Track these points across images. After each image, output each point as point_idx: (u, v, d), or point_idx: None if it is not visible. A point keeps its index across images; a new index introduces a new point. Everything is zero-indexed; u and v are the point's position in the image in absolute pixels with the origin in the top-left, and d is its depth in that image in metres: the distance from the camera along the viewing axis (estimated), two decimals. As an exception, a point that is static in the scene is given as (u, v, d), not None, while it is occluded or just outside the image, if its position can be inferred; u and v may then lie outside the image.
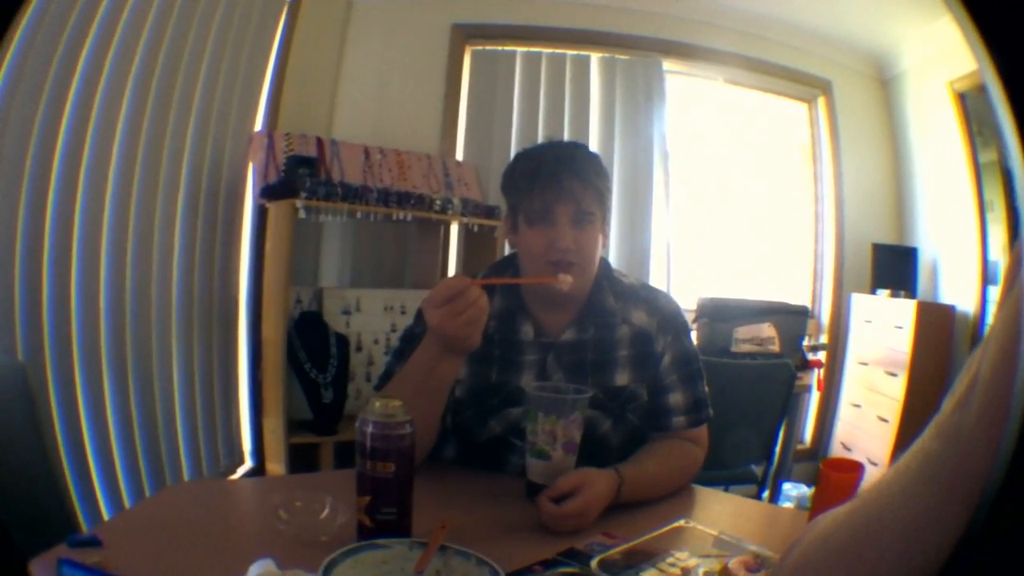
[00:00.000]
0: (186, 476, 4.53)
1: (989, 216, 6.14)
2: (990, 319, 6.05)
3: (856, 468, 1.91)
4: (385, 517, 1.79)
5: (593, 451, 2.30)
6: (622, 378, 2.52)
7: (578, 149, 2.54)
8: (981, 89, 5.26)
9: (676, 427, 2.56)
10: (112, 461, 3.93)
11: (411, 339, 2.48)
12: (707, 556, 1.84)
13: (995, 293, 5.82)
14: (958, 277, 6.49)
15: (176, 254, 4.45)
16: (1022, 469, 0.62)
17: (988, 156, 6.10)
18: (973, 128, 6.16)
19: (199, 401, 4.69)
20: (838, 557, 0.86)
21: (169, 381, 4.43)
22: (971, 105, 6.15)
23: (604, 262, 2.61)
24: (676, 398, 2.56)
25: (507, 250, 3.05)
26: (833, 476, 1.90)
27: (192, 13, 4.40)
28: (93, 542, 1.65)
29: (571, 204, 2.36)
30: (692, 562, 1.80)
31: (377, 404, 1.81)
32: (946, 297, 6.60)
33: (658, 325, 2.56)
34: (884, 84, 7.27)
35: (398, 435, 1.79)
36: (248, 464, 5.21)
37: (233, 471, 5.03)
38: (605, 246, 2.55)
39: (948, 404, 0.73)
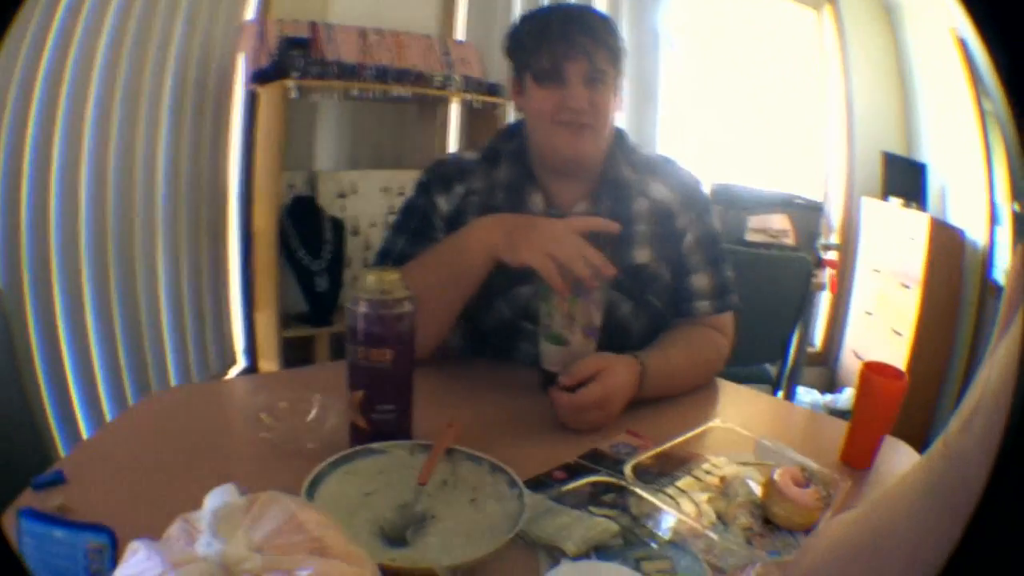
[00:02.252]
0: (173, 383, 4.44)
1: (994, 159, 6.01)
2: (997, 267, 5.96)
3: (900, 376, 1.82)
4: (382, 416, 1.59)
5: (612, 337, 2.15)
6: (642, 255, 2.36)
7: (588, 9, 2.37)
8: None
9: (701, 312, 2.41)
10: (93, 375, 3.86)
11: (413, 212, 2.38)
12: (746, 464, 1.69)
13: (1002, 236, 5.70)
14: (966, 205, 6.38)
15: (161, 148, 4.34)
16: (1003, 494, 0.66)
17: (990, 104, 5.94)
18: (976, 74, 5.99)
19: (187, 301, 4.60)
20: (849, 563, 0.91)
21: (154, 282, 4.34)
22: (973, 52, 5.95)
23: (619, 132, 2.45)
24: (700, 280, 2.41)
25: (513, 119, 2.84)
26: (876, 380, 1.80)
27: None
28: (57, 480, 1.46)
29: (583, 61, 2.20)
30: (730, 470, 1.65)
31: (370, 278, 1.59)
32: (954, 220, 6.48)
33: (680, 200, 2.41)
34: (888, 10, 7.16)
35: (395, 315, 1.57)
36: (241, 364, 5.11)
37: (224, 373, 4.89)
38: (619, 110, 2.36)
39: (954, 424, 0.75)
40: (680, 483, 1.59)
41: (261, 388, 2.26)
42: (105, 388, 3.89)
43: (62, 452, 3.09)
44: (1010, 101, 0.66)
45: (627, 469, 1.56)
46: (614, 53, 2.27)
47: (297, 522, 0.97)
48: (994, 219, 5.97)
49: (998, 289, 5.86)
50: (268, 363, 4.90)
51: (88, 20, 3.69)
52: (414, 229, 2.32)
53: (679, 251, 2.40)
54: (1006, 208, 5.81)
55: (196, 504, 0.98)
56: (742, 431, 1.84)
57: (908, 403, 5.12)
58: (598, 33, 2.23)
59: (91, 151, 3.82)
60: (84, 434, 3.65)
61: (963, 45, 5.94)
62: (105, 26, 3.83)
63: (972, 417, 0.71)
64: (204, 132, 4.70)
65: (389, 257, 2.33)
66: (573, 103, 2.19)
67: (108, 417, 3.81)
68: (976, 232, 6.14)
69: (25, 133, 3.44)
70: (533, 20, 2.32)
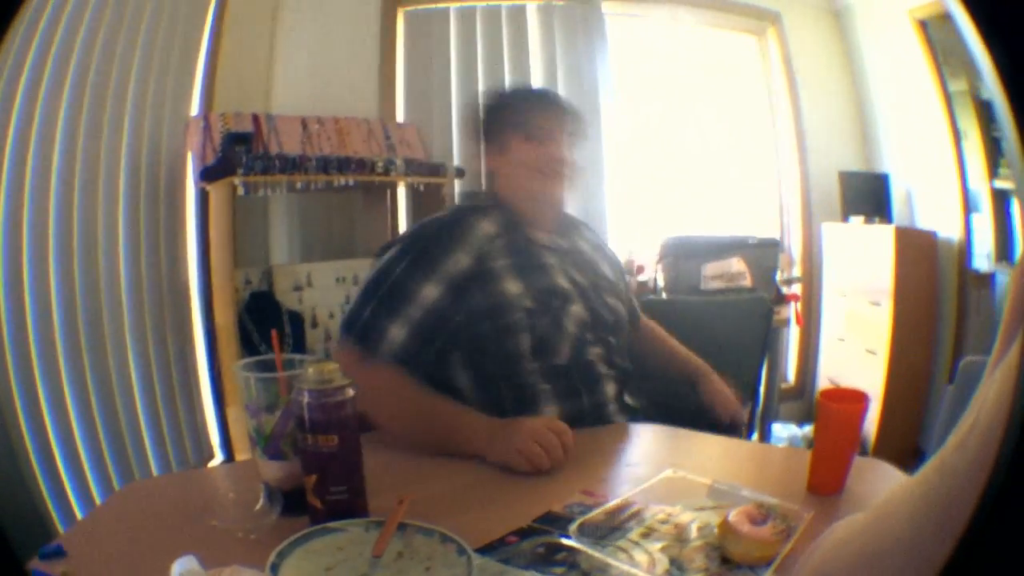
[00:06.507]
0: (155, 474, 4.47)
1: (965, 144, 6.01)
2: (976, 255, 5.96)
3: (860, 399, 1.84)
4: (336, 496, 1.65)
5: (620, 334, 2.76)
6: (607, 272, 2.89)
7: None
8: (944, 17, 5.04)
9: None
10: (82, 468, 3.95)
11: (402, 289, 2.47)
12: (702, 509, 1.72)
13: (979, 222, 5.70)
14: (935, 204, 6.37)
15: (121, 251, 4.39)
16: (997, 510, 0.69)
17: (958, 86, 5.97)
18: (939, 57, 6.03)
19: (160, 397, 4.61)
20: (852, 564, 0.95)
21: (127, 379, 4.37)
22: (935, 34, 6.01)
23: None
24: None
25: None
26: (834, 408, 1.83)
27: (124, 4, 4.35)
28: (59, 552, 1.56)
29: (567, 125, 2.71)
30: (686, 517, 1.68)
31: (311, 370, 1.65)
32: (924, 224, 6.49)
33: (599, 238, 3.10)
34: (837, 14, 7.13)
35: (337, 403, 1.63)
36: (218, 458, 5.05)
37: (203, 466, 4.87)
38: None
39: (951, 441, 0.78)
40: (633, 535, 1.60)
41: (234, 478, 2.30)
42: (94, 477, 3.99)
43: (60, 528, 3.37)
44: (1010, 100, 0.67)
45: (572, 527, 1.60)
46: (581, 125, 2.82)
47: (256, 589, 1.03)
48: (968, 206, 6.00)
49: (979, 277, 5.93)
50: (245, 456, 4.80)
51: (43, 114, 3.79)
52: (387, 297, 2.45)
53: (621, 273, 3.06)
54: (983, 189, 5.83)
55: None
56: (695, 478, 1.87)
57: (893, 413, 5.16)
58: (573, 107, 2.78)
59: (56, 255, 3.90)
60: (79, 514, 3.77)
61: (923, 27, 5.99)
62: (58, 130, 3.90)
63: (968, 436, 0.75)
64: (160, 231, 4.72)
65: (365, 328, 2.44)
66: (558, 155, 2.65)
67: (98, 500, 3.95)
68: (949, 228, 6.17)
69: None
70: (524, 92, 2.96)
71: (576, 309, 2.57)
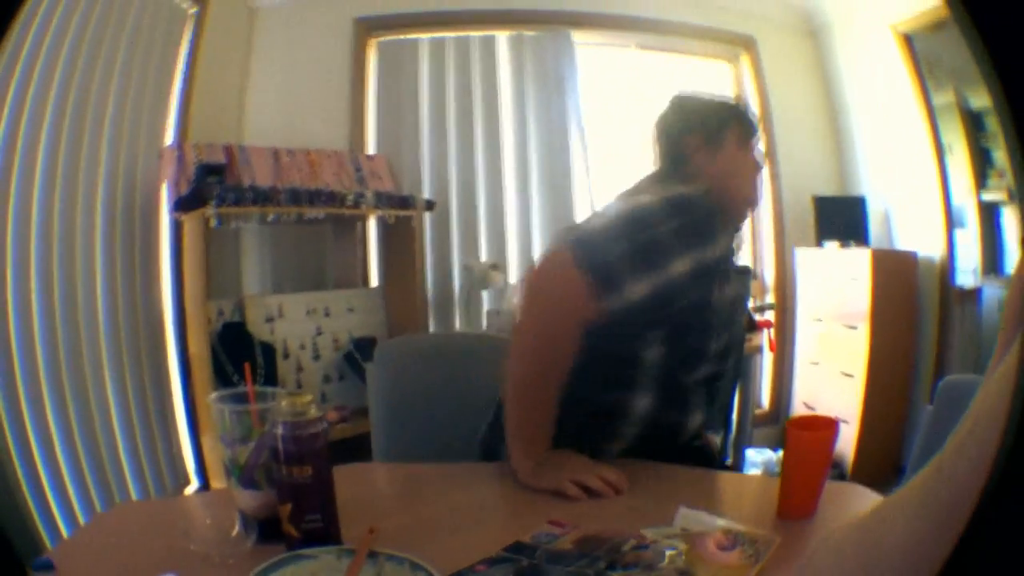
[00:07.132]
0: (135, 499, 4.53)
1: (949, 159, 5.99)
2: (960, 271, 5.94)
3: (830, 425, 1.84)
4: (310, 525, 1.67)
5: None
6: None
7: None
8: (929, 28, 5.00)
9: None
10: (66, 490, 4.03)
11: (659, 251, 2.22)
12: (672, 537, 1.71)
13: (963, 237, 5.65)
14: (915, 223, 6.35)
15: (99, 282, 4.45)
16: (1000, 513, 0.70)
17: (943, 98, 5.94)
18: (923, 70, 6.00)
19: (137, 424, 4.65)
20: (849, 571, 0.94)
21: (106, 408, 4.43)
22: (919, 46, 5.98)
23: None
24: None
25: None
26: (803, 436, 1.83)
27: (100, 37, 4.40)
28: (49, 566, 1.59)
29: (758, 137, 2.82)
30: (654, 545, 1.67)
31: (284, 403, 1.68)
32: (903, 244, 6.47)
33: None
34: (812, 34, 7.10)
35: (310, 435, 1.65)
36: (194, 484, 5.09)
37: (180, 493, 4.90)
38: None
39: (950, 444, 0.79)
40: (601, 563, 1.60)
41: (211, 505, 2.34)
42: (78, 499, 4.05)
43: (48, 544, 3.54)
44: (1010, 100, 0.68)
45: (537, 554, 1.62)
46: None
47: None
48: (952, 222, 5.97)
49: (963, 293, 5.90)
50: (219, 483, 4.87)
51: (22, 157, 3.84)
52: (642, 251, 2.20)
53: None
54: (969, 203, 5.81)
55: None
56: (664, 506, 1.87)
57: (871, 434, 5.18)
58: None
59: (38, 285, 3.97)
60: (64, 532, 3.86)
61: (906, 40, 5.95)
62: (38, 161, 3.95)
63: (967, 440, 0.76)
64: (135, 262, 4.77)
65: (601, 261, 2.16)
66: (761, 163, 2.80)
67: (82, 519, 4.02)
68: (930, 246, 6.14)
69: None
70: (748, 109, 2.87)
71: (738, 330, 2.69)
